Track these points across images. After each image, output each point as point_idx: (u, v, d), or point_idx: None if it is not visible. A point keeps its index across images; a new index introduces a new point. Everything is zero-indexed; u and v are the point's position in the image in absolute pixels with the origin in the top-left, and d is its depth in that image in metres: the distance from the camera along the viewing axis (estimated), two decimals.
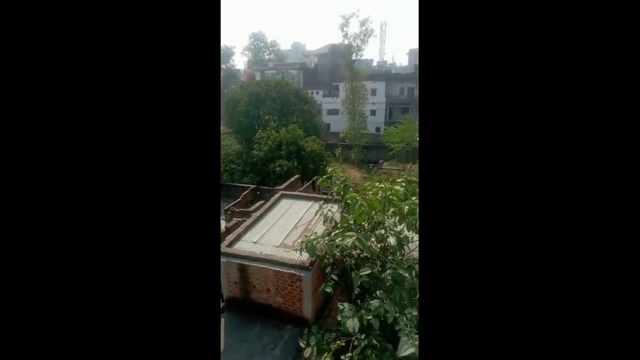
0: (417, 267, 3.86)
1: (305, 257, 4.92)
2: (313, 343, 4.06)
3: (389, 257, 4.30)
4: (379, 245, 4.47)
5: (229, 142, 22.48)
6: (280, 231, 6.24)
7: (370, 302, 3.58)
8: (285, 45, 68.87)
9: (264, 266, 5.09)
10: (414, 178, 4.73)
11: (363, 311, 3.54)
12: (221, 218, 12.10)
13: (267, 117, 22.31)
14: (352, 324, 3.41)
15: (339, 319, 3.59)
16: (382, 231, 4.29)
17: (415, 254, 4.38)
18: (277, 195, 7.68)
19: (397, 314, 3.37)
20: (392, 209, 4.18)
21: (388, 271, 3.84)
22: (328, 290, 4.42)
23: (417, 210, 3.81)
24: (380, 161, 27.55)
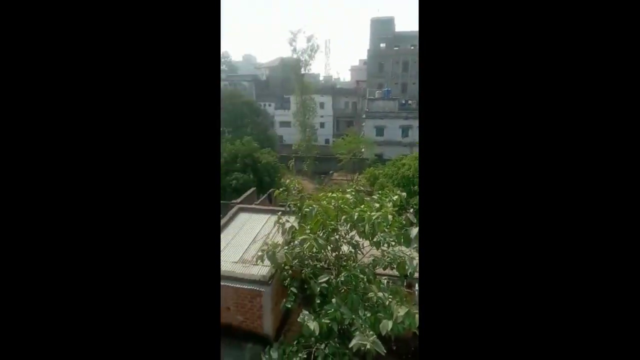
0: (366, 271, 4.15)
1: (265, 271, 4.93)
2: (275, 358, 4.07)
3: (343, 264, 4.50)
4: (333, 253, 4.65)
5: None
6: (238, 246, 6.15)
7: (325, 306, 3.72)
8: (236, 57, 67.84)
9: (223, 284, 5.01)
10: (362, 187, 5.03)
11: (321, 317, 3.66)
12: None
13: (220, 129, 21.85)
14: (313, 326, 3.50)
15: (300, 321, 3.64)
16: (337, 236, 4.49)
17: (366, 259, 4.62)
18: (234, 210, 7.56)
19: (353, 317, 3.54)
20: (343, 217, 4.40)
21: (341, 277, 4.03)
22: (289, 305, 4.50)
23: (366, 216, 4.06)
24: (331, 172, 28.04)
